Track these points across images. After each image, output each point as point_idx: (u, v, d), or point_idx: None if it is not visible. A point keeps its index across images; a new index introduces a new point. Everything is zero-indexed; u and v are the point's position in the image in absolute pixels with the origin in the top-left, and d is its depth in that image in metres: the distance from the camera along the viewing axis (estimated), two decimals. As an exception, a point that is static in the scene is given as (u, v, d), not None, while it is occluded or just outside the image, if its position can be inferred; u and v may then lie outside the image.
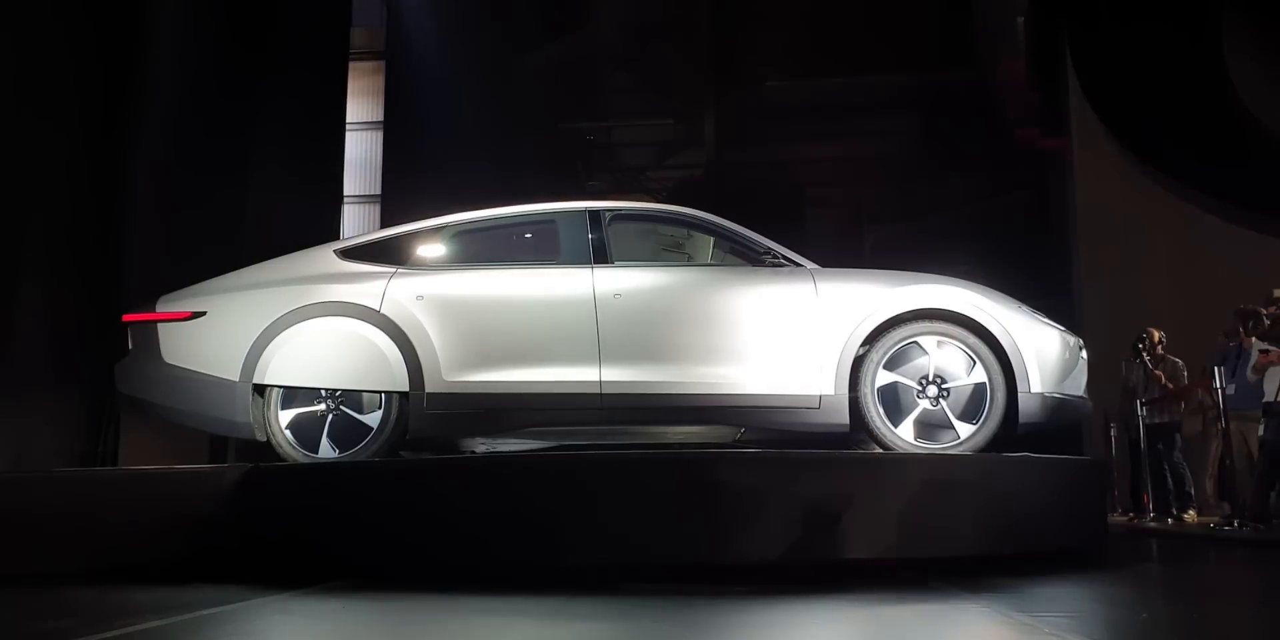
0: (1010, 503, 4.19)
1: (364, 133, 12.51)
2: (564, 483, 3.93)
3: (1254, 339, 7.36)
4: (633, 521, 3.82)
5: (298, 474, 4.47)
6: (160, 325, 4.64)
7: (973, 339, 4.54)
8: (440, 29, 12.90)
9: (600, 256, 4.74)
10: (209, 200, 8.31)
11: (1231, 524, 6.73)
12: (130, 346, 4.75)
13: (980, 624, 2.90)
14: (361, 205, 12.49)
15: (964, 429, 4.48)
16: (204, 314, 4.65)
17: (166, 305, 4.73)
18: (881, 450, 4.45)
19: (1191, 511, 8.00)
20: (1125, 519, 8.95)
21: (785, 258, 4.76)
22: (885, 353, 4.53)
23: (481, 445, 5.11)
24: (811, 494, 3.89)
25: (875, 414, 4.49)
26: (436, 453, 4.96)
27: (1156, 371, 8.28)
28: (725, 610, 3.18)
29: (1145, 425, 8.35)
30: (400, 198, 12.12)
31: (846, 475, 4.00)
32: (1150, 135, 11.14)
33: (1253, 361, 7.25)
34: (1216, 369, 7.13)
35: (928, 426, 4.50)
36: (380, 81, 12.72)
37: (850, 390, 4.49)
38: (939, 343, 4.55)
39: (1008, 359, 4.50)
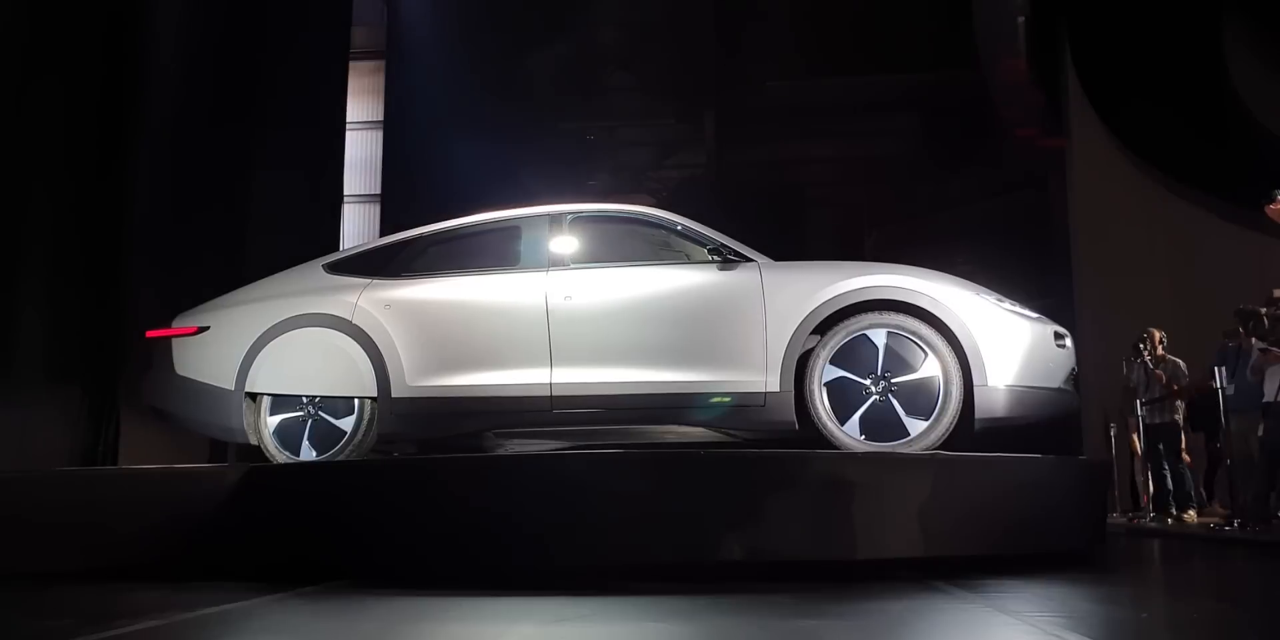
0: (1010, 503, 4.17)
1: (364, 133, 12.51)
2: (568, 482, 3.92)
3: (1254, 339, 7.35)
4: (633, 520, 3.81)
5: (298, 473, 4.49)
6: (174, 340, 4.98)
7: (925, 330, 4.38)
8: (440, 29, 12.89)
9: (557, 260, 4.79)
10: (209, 199, 8.32)
11: (1231, 524, 6.73)
12: (151, 360, 5.07)
13: (980, 624, 2.90)
14: (361, 205, 12.49)
15: (915, 426, 4.34)
16: (208, 328, 4.95)
17: (180, 321, 5.07)
18: (833, 449, 4.32)
19: (1191, 511, 8.00)
20: (1125, 519, 8.95)
21: (735, 252, 4.67)
22: (831, 347, 4.41)
23: (500, 448, 5.14)
24: (811, 494, 3.88)
25: (822, 411, 4.38)
26: (465, 452, 4.98)
27: (1158, 371, 8.28)
28: (727, 610, 3.18)
29: (1145, 425, 8.35)
30: (400, 198, 12.12)
31: (847, 475, 3.97)
32: (1150, 135, 11.14)
33: (1252, 362, 7.24)
34: (1217, 370, 7.12)
35: (882, 424, 4.36)
36: (380, 81, 12.72)
37: (797, 386, 4.40)
38: (889, 334, 4.42)
39: (964, 351, 4.34)
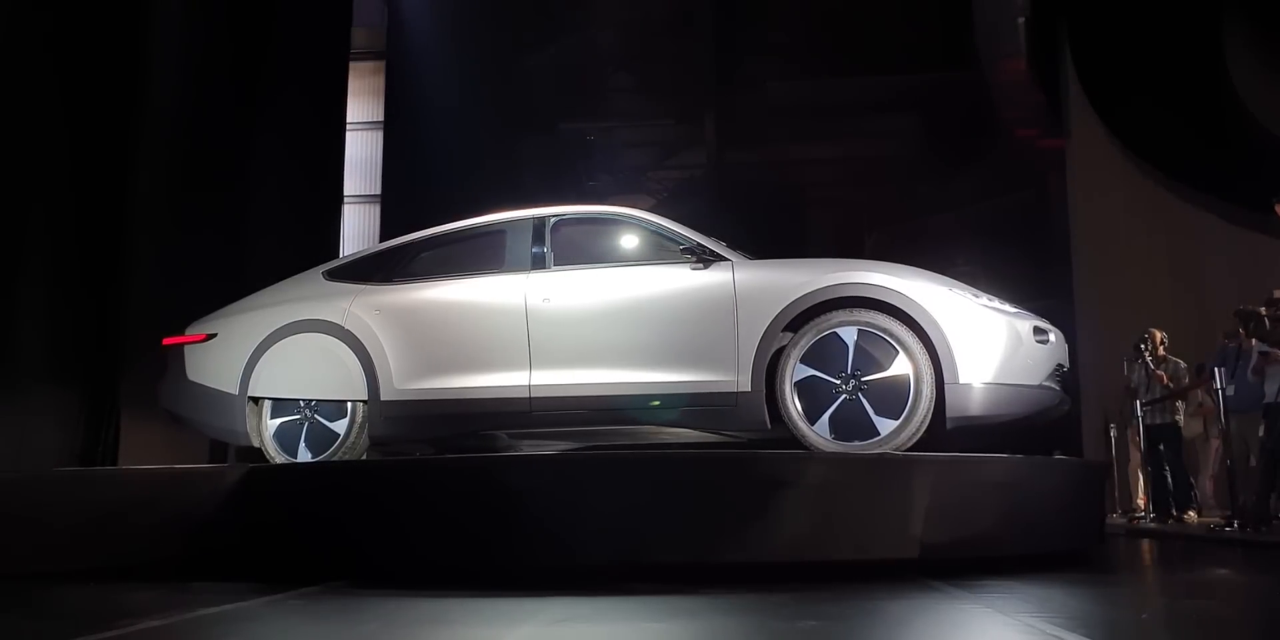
0: (1010, 503, 4.16)
1: (364, 133, 12.51)
2: (569, 482, 3.93)
3: (1254, 340, 7.35)
4: (634, 521, 3.81)
5: (298, 473, 4.49)
6: (186, 347, 5.15)
7: (896, 327, 4.27)
8: (440, 29, 12.90)
9: (539, 262, 4.82)
10: (209, 199, 8.32)
11: (1231, 525, 6.73)
12: (166, 366, 5.22)
13: (979, 624, 2.90)
14: (361, 205, 12.49)
15: (885, 425, 4.23)
16: (215, 335, 5.09)
17: (192, 329, 5.22)
18: (805, 449, 4.28)
19: (1191, 512, 8.00)
20: (1125, 519, 8.96)
21: (710, 251, 4.62)
22: (802, 345, 4.34)
23: (512, 449, 5.15)
24: (814, 494, 3.88)
25: (793, 411, 4.31)
26: (481, 452, 5.00)
27: (1158, 372, 8.27)
28: (727, 610, 3.18)
29: (1146, 426, 8.35)
30: (400, 198, 12.12)
31: (848, 476, 3.97)
32: (1150, 135, 11.14)
33: (1253, 363, 7.24)
34: (1216, 370, 7.12)
35: (851, 423, 4.28)
36: (380, 81, 12.72)
37: (769, 385, 4.34)
38: (859, 332, 4.31)
39: (935, 348, 4.23)
